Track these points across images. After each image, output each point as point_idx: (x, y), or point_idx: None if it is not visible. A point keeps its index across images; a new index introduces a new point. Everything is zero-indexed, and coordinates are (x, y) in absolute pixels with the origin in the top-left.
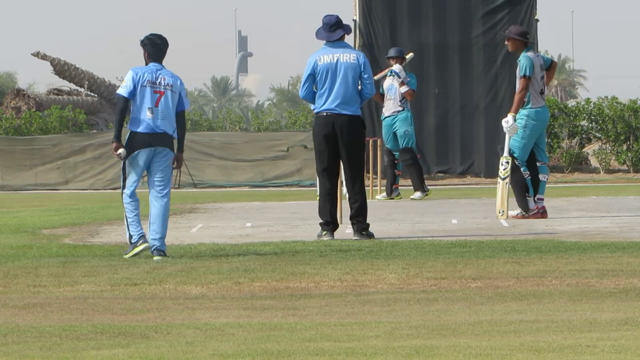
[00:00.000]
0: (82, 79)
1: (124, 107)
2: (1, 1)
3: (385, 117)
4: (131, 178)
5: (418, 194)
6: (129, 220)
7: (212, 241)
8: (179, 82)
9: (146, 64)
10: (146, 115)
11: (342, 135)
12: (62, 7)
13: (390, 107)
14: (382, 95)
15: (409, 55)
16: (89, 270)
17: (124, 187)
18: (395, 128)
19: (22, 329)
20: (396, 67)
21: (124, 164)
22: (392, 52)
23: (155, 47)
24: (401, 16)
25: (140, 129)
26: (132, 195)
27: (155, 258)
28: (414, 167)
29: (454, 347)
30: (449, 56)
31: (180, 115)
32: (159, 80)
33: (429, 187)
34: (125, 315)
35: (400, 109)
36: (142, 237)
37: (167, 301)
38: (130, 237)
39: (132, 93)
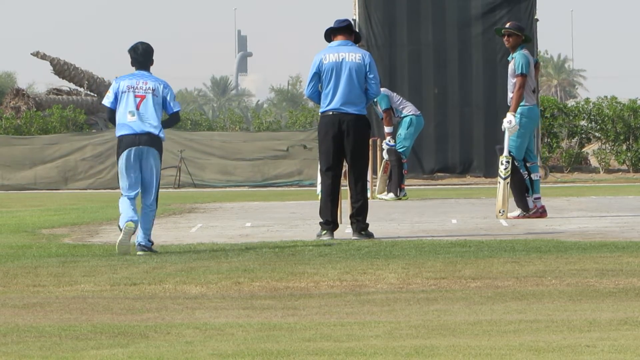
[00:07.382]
0: (81, 79)
1: (111, 116)
2: (1, 1)
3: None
4: (123, 181)
5: (391, 194)
6: (120, 211)
7: (211, 241)
8: (162, 86)
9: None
10: (128, 119)
11: (348, 134)
12: (62, 7)
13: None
14: (388, 117)
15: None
16: (88, 270)
17: (122, 192)
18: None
19: (21, 328)
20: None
21: (118, 169)
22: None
23: (137, 55)
24: (401, 16)
25: (125, 132)
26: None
27: (139, 253)
28: (395, 170)
29: (453, 347)
30: (448, 56)
31: (170, 116)
32: (140, 85)
33: (406, 193)
34: (125, 315)
35: (399, 118)
36: (129, 221)
37: (166, 301)
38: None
39: (114, 103)
